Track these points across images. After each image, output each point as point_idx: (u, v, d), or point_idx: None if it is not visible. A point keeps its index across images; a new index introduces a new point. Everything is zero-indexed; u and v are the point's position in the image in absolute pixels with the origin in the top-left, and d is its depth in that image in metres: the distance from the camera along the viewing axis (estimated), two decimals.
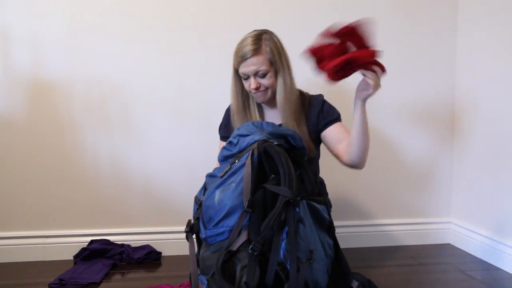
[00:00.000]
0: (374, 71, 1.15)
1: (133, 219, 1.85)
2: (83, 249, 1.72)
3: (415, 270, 1.65)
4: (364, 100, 1.22)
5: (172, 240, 1.83)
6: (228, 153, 1.16)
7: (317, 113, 1.40)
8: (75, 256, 1.72)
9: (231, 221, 1.00)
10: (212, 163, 1.47)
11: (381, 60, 1.14)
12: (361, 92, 1.20)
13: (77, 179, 1.80)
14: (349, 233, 1.92)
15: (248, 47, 1.29)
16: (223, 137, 1.50)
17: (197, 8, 1.82)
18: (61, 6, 1.75)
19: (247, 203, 0.97)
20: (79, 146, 1.79)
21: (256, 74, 1.31)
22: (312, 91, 1.50)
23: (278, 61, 1.32)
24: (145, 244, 1.81)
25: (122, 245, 1.78)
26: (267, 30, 1.36)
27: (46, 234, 1.79)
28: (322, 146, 1.46)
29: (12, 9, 1.72)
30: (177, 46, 1.82)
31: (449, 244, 1.99)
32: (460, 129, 1.95)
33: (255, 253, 0.92)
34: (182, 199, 1.83)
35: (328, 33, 1.13)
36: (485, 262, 1.73)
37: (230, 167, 1.08)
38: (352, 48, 1.14)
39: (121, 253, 1.73)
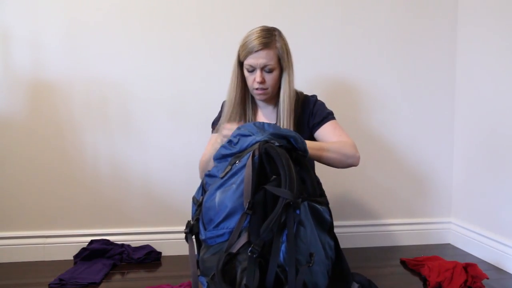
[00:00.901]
0: None
1: (133, 219, 1.85)
2: (83, 249, 1.72)
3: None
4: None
5: (172, 240, 1.83)
6: (227, 152, 1.15)
7: (308, 115, 1.42)
8: (75, 256, 1.72)
9: (232, 222, 0.99)
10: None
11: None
12: None
13: (77, 179, 1.80)
14: (349, 233, 1.93)
15: (260, 40, 1.29)
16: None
17: (198, 8, 1.82)
18: (61, 6, 1.75)
19: (247, 205, 0.96)
20: (79, 146, 1.79)
21: (263, 68, 1.32)
22: (312, 91, 1.50)
23: (285, 59, 1.34)
24: (145, 244, 1.82)
25: (122, 245, 1.79)
26: (276, 27, 1.37)
27: (46, 234, 1.79)
28: None
29: (12, 9, 1.72)
30: (177, 46, 1.82)
31: (449, 244, 1.99)
32: (460, 129, 1.95)
33: (254, 256, 0.91)
34: (182, 199, 1.84)
35: None
36: (485, 262, 1.73)
37: (231, 168, 1.07)
38: None
39: (121, 253, 1.73)
